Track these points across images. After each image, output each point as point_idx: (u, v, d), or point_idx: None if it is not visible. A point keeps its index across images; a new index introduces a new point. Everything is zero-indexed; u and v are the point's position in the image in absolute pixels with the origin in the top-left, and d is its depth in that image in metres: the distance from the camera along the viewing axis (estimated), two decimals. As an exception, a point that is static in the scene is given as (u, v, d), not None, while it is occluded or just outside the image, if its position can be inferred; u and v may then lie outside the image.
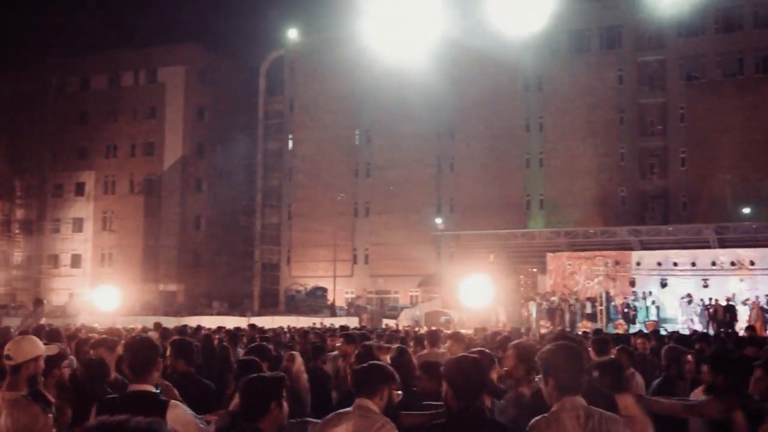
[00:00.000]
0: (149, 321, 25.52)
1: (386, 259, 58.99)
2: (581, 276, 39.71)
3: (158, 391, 5.06)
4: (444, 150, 59.37)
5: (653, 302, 36.62)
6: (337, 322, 33.79)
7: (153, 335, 11.25)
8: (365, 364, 4.91)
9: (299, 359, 8.40)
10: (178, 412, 4.78)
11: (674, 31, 54.73)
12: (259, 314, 49.88)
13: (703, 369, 6.27)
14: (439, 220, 55.42)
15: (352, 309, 50.14)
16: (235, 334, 14.10)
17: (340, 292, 55.86)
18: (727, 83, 53.45)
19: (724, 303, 33.77)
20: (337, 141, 61.38)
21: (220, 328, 18.76)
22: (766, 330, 28.44)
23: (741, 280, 35.64)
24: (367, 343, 8.67)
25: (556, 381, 4.12)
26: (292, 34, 64.33)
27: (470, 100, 56.48)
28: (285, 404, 4.37)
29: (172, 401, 4.86)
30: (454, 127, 58.80)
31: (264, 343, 8.67)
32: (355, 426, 4.48)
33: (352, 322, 36.08)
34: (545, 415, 4.10)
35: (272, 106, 66.81)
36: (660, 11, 53.59)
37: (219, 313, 49.27)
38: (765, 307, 33.93)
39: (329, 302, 51.28)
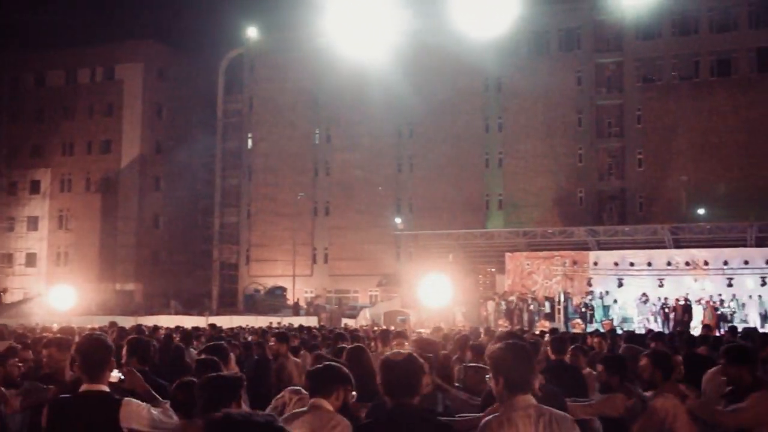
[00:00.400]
0: (105, 321, 25.20)
1: (346, 259, 58.94)
2: (539, 276, 40.05)
3: (122, 377, 5.10)
4: (404, 150, 59.46)
5: (615, 301, 37.14)
6: (296, 321, 33.69)
7: (108, 334, 11.10)
8: (320, 365, 4.88)
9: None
10: (131, 408, 4.73)
11: (632, 34, 55.42)
12: (218, 314, 49.51)
13: (599, 369, 6.50)
14: (398, 220, 55.54)
15: (312, 308, 49.98)
16: (189, 333, 14.01)
17: (300, 292, 55.68)
18: (683, 86, 54.23)
19: (682, 302, 34.25)
20: (297, 140, 61.16)
21: (177, 328, 18.61)
22: (719, 329, 28.85)
23: (695, 280, 36.23)
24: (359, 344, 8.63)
25: (507, 380, 4.10)
26: (252, 32, 63.89)
27: (430, 100, 56.61)
28: (244, 405, 4.34)
29: (125, 399, 4.80)
30: (413, 127, 58.93)
31: (222, 342, 8.60)
32: (310, 425, 4.45)
33: (311, 322, 36.03)
34: (497, 414, 4.07)
35: (231, 104, 66.32)
36: (618, 14, 54.29)
37: (177, 313, 48.80)
38: (717, 306, 34.53)
39: (289, 302, 51.10)
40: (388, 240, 55.40)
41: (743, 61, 53.28)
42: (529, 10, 53.73)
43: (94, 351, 4.91)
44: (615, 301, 37.11)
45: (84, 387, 4.83)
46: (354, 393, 4.75)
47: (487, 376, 4.44)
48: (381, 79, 54.36)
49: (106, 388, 4.85)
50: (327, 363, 4.96)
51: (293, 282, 53.29)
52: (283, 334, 10.38)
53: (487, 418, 4.10)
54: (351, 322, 36.69)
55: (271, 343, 10.33)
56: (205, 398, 4.36)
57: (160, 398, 5.17)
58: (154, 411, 4.84)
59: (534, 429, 3.94)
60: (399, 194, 59.29)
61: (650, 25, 54.66)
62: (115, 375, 5.03)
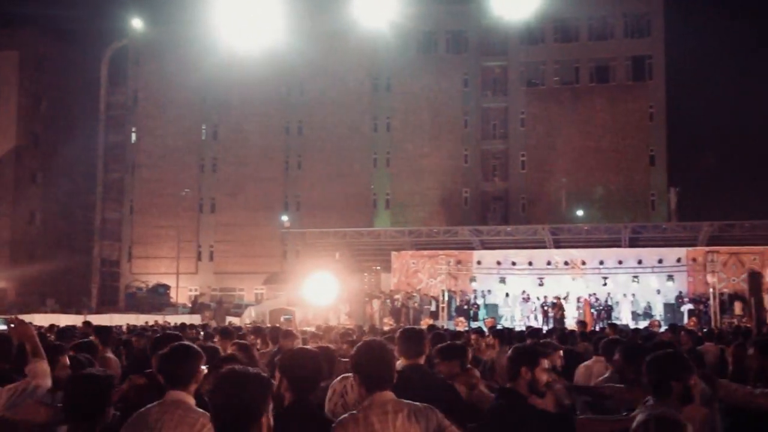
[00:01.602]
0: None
1: (232, 257, 58.25)
2: (424, 274, 40.61)
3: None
4: (292, 147, 59.18)
5: (508, 295, 38.00)
6: (179, 320, 33.13)
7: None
8: (169, 347, 4.36)
9: None
10: None
11: (517, 39, 56.80)
12: (98, 312, 48.13)
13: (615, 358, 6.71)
14: (285, 218, 55.20)
15: (196, 307, 49.18)
16: (64, 331, 13.62)
17: (184, 290, 54.74)
18: (564, 91, 55.97)
19: (558, 300, 35.33)
20: (183, 135, 59.96)
21: (52, 327, 18.02)
22: (595, 326, 29.86)
23: (573, 279, 37.46)
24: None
25: (364, 378, 4.08)
26: (137, 23, 62.23)
27: (318, 98, 56.62)
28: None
29: None
30: (302, 125, 58.77)
31: (92, 339, 8.39)
32: (167, 427, 4.03)
33: (195, 320, 35.49)
34: (353, 412, 4.05)
35: (115, 97, 64.45)
36: (504, 19, 55.44)
37: (54, 311, 47.15)
38: (594, 304, 35.81)
39: (173, 300, 50.15)
40: (275, 238, 55.09)
41: (620, 68, 55.36)
42: (416, 11, 54.31)
43: None
44: (508, 295, 37.99)
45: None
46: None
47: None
48: (270, 77, 54.04)
49: None
50: (179, 343, 4.55)
51: (177, 280, 52.30)
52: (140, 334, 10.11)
53: (343, 416, 4.07)
54: (236, 321, 36.32)
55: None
56: (74, 397, 4.26)
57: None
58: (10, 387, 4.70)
59: (392, 425, 3.92)
60: (287, 192, 58.97)
61: (534, 31, 56.20)
62: None
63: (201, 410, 4.11)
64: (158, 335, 7.47)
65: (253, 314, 41.03)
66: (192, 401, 4.20)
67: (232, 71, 55.00)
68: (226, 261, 58.63)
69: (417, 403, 4.06)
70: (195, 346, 4.54)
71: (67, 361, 5.95)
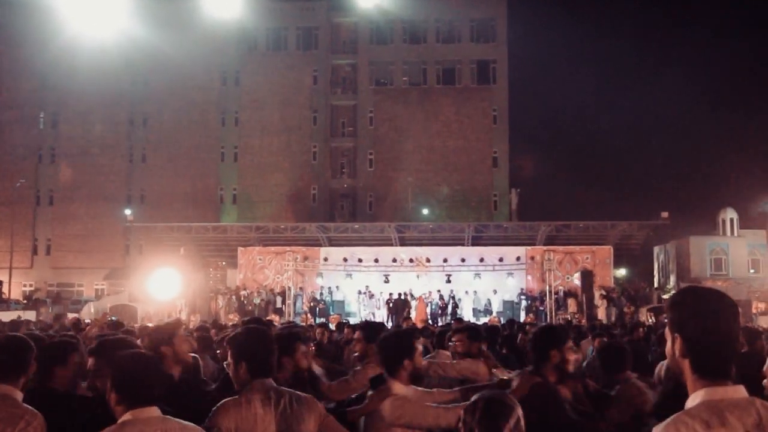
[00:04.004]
0: None
1: (71, 251, 55.96)
2: (271, 270, 40.43)
3: None
4: (136, 140, 57.43)
5: (354, 294, 38.22)
6: (12, 316, 31.50)
7: None
8: None
9: None
10: None
11: (366, 38, 57.43)
12: None
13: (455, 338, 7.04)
14: (128, 212, 53.47)
15: (30, 302, 46.89)
16: None
17: (18, 285, 52.19)
18: (412, 91, 56.98)
19: (402, 296, 35.98)
20: (19, 123, 56.90)
21: None
22: (436, 322, 30.55)
23: (417, 276, 38.22)
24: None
25: (249, 364, 4.07)
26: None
27: (164, 91, 55.26)
28: None
29: None
30: (148, 117, 57.13)
31: None
32: None
33: (30, 316, 33.84)
34: (235, 396, 4.02)
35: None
36: (354, 18, 55.96)
37: None
38: (437, 301, 36.67)
39: (5, 295, 47.63)
40: (117, 232, 53.47)
41: (466, 71, 56.88)
42: (265, 6, 53.98)
43: None
44: (369, 294, 38.21)
45: None
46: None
47: (226, 363, 4.39)
48: (114, 67, 52.35)
49: None
50: (10, 335, 4.50)
51: (9, 274, 49.78)
52: None
53: (224, 400, 4.03)
54: (73, 317, 34.89)
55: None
56: None
57: None
58: None
59: (273, 410, 3.94)
60: (130, 185, 57.18)
61: (383, 31, 56.98)
62: None
63: (28, 406, 3.92)
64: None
65: (92, 310, 39.53)
66: (19, 396, 4.00)
67: (75, 59, 52.68)
68: (65, 255, 56.26)
69: (298, 393, 4.09)
70: (25, 338, 4.35)
71: None
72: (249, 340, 4.16)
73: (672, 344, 2.58)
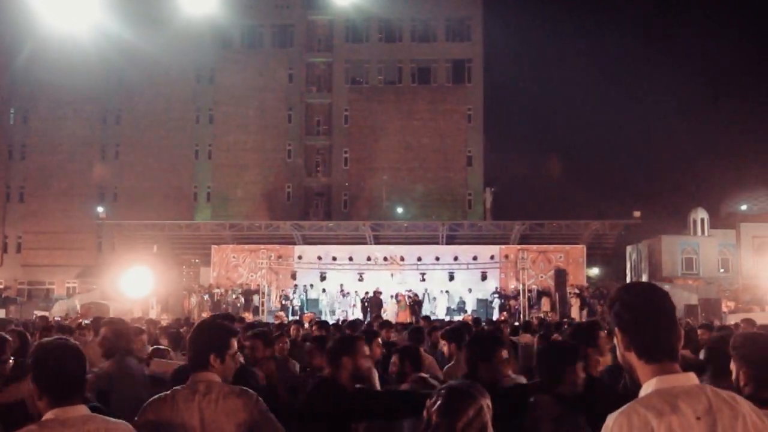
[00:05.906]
0: None
1: (42, 249, 55.43)
2: (245, 269, 40.42)
3: None
4: (109, 136, 56.99)
5: (327, 293, 38.19)
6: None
7: None
8: None
9: None
10: None
11: (342, 36, 57.40)
12: None
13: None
14: (101, 209, 53.11)
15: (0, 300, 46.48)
16: None
17: (-12, 283, 51.74)
18: (387, 90, 57.02)
19: (377, 295, 36.01)
20: (-11, 119, 56.43)
21: None
22: (412, 320, 30.67)
23: (392, 275, 38.32)
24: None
25: (191, 357, 4.14)
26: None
27: (138, 88, 54.89)
28: None
29: None
30: (121, 114, 56.74)
31: None
32: None
33: (-1, 315, 33.57)
34: (166, 392, 4.01)
35: None
36: (330, 16, 55.94)
37: None
38: (407, 298, 36.71)
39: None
40: (89, 229, 53.05)
41: (441, 70, 57.00)
42: (243, 3, 53.84)
43: None
44: (352, 295, 38.16)
45: None
46: None
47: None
48: (86, 62, 51.81)
49: None
50: None
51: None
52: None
53: (158, 395, 4.04)
54: (45, 315, 34.61)
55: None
56: None
57: None
58: None
59: (197, 404, 3.90)
60: (103, 182, 56.73)
61: (359, 29, 56.98)
62: None
63: None
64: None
65: (64, 308, 39.26)
66: None
67: (47, 53, 52.26)
68: (36, 253, 55.74)
69: (230, 386, 4.03)
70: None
71: None
72: (193, 334, 4.21)
73: (617, 342, 2.65)
